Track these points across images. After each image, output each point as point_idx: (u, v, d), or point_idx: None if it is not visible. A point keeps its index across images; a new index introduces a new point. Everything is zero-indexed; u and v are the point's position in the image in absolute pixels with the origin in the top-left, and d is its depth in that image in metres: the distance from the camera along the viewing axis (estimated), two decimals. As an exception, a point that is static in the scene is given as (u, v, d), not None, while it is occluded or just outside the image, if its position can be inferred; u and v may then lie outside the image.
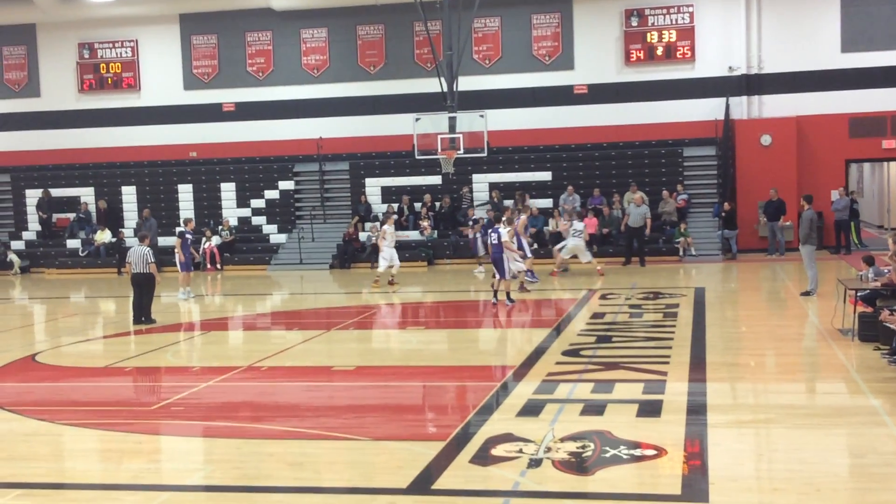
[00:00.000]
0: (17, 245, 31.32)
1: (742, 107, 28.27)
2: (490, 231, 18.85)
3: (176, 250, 21.84)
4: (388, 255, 21.88)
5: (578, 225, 23.22)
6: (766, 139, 27.56)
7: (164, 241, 29.16)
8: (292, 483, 7.86)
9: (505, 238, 18.38)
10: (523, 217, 22.85)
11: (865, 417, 9.37)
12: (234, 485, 7.88)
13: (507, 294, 18.46)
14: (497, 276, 18.33)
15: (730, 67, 28.27)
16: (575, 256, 23.15)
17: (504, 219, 19.48)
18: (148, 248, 17.62)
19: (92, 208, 31.70)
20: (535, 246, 25.15)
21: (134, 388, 12.49)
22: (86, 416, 10.43)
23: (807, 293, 17.83)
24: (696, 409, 9.64)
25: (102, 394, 11.90)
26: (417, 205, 29.29)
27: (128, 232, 30.04)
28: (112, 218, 31.18)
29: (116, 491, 7.87)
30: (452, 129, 25.46)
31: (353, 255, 28.08)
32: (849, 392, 10.63)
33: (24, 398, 11.65)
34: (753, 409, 10.10)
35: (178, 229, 21.78)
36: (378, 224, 24.85)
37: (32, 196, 32.15)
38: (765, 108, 28.33)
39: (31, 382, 12.77)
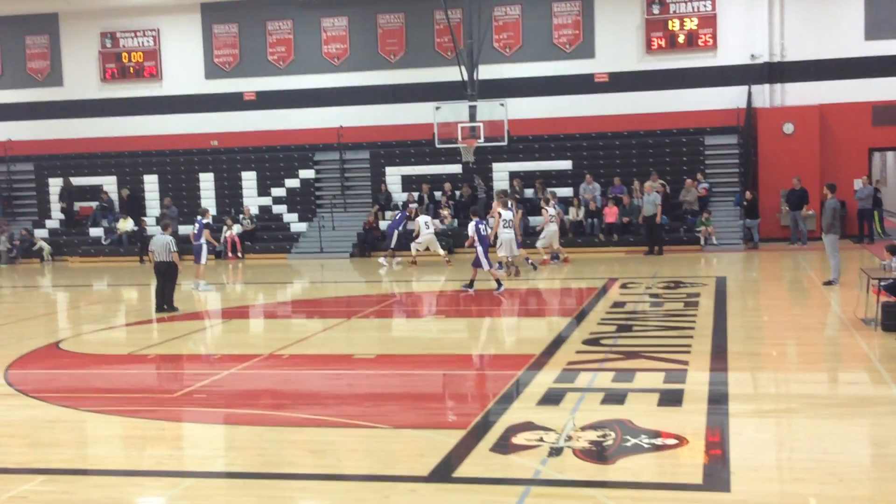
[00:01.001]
0: (41, 233, 31.52)
1: (764, 95, 28.08)
2: (478, 222, 19.07)
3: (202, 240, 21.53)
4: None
5: (551, 210, 23.75)
6: (788, 127, 27.38)
7: (184, 229, 29.30)
8: (313, 470, 7.90)
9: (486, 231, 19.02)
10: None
11: (888, 407, 9.32)
12: (256, 472, 7.93)
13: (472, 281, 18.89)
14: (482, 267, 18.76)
15: (752, 55, 28.07)
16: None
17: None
18: (170, 237, 17.70)
19: (114, 197, 31.88)
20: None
21: (156, 376, 12.57)
22: (109, 403, 10.51)
23: (829, 282, 17.73)
24: (718, 399, 9.61)
25: (125, 381, 11.99)
26: (437, 193, 29.27)
27: (150, 220, 30.18)
28: (134, 206, 31.32)
29: (139, 477, 7.94)
30: (473, 117, 25.44)
31: (374, 243, 28.12)
32: (871, 382, 10.57)
33: (48, 385, 11.76)
34: (775, 398, 10.06)
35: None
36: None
37: (55, 185, 32.36)
38: (787, 96, 28.13)
39: (55, 369, 12.88)
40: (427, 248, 24.73)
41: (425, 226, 24.64)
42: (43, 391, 11.20)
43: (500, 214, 20.32)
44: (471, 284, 18.93)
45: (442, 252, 24.60)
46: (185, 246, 24.30)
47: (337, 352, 13.50)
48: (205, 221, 21.65)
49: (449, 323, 16.42)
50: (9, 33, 32.81)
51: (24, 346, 14.31)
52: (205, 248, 21.24)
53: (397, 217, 26.33)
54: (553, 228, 23.72)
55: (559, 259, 24.08)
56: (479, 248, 18.72)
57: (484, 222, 19.14)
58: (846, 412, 9.25)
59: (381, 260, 25.61)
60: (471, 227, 19.08)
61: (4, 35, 32.89)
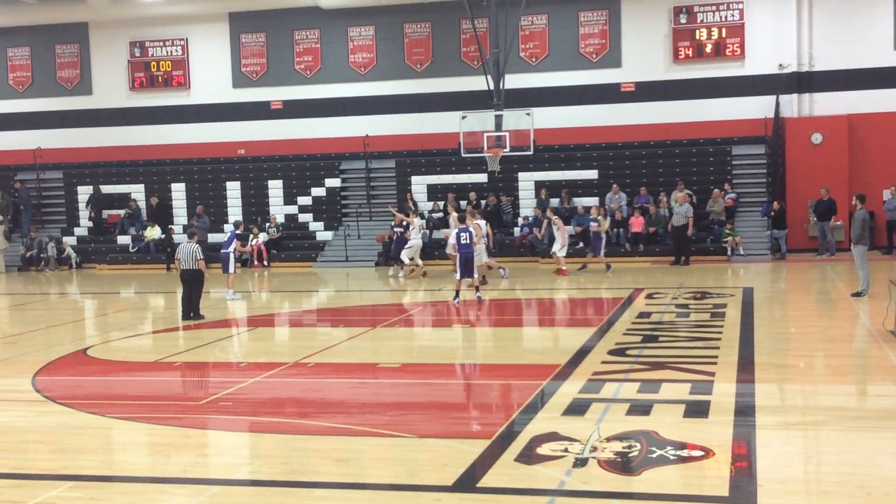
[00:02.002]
0: (69, 241, 31.76)
1: (792, 105, 27.93)
2: (460, 231, 19.20)
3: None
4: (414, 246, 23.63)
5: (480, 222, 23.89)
6: (816, 137, 27.20)
7: (213, 237, 29.57)
8: (338, 479, 7.90)
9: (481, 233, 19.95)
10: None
11: (918, 421, 9.23)
12: (281, 480, 7.94)
13: (475, 289, 19.32)
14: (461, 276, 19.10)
15: (780, 65, 27.93)
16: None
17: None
18: (196, 245, 17.79)
19: (142, 205, 32.11)
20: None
21: (182, 383, 12.64)
22: (135, 410, 10.57)
23: (858, 294, 17.58)
24: (744, 411, 9.54)
25: (152, 388, 12.05)
26: (463, 203, 29.26)
27: (177, 228, 30.38)
28: (162, 215, 31.54)
29: (165, 484, 7.97)
30: (499, 127, 25.44)
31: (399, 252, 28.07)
32: (901, 395, 10.47)
33: (76, 392, 11.83)
34: (802, 410, 9.97)
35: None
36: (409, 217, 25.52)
37: (84, 193, 32.65)
38: (815, 105, 27.96)
39: (83, 376, 12.96)
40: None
41: (418, 231, 24.63)
42: (70, 398, 11.27)
43: (478, 227, 20.66)
44: (476, 290, 19.34)
45: (420, 263, 24.47)
46: (213, 254, 24.45)
47: (362, 360, 13.51)
48: (237, 232, 21.71)
49: (474, 332, 16.40)
50: (39, 42, 33.16)
51: (52, 353, 14.42)
52: (233, 257, 21.29)
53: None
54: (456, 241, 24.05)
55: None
56: (459, 257, 19.17)
57: (467, 231, 19.11)
58: (875, 425, 9.15)
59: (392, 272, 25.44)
60: (452, 235, 19.36)
61: (35, 44, 33.26)
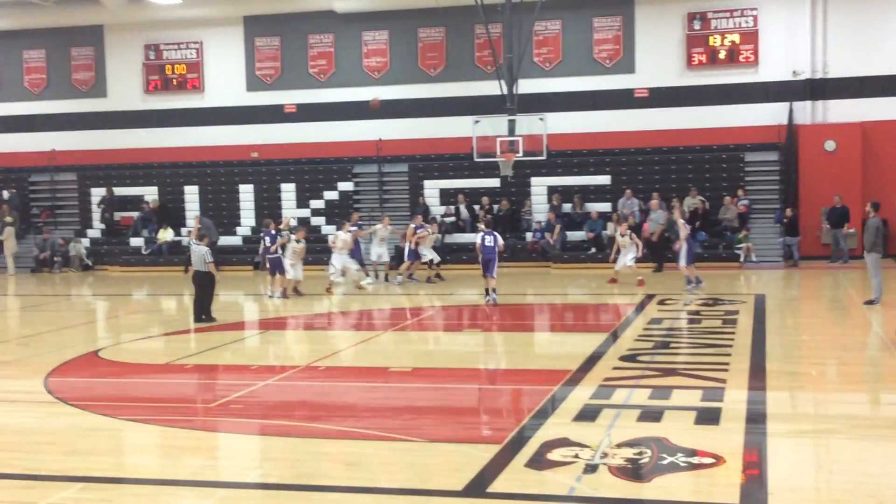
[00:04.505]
0: (83, 242, 31.86)
1: (806, 112, 27.82)
2: (485, 234, 19.60)
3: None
4: (338, 263, 22.27)
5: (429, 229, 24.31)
6: (830, 145, 27.11)
7: (225, 240, 29.71)
8: (348, 483, 7.91)
9: (500, 242, 19.61)
10: (411, 226, 23.53)
11: (930, 430, 9.19)
12: (291, 483, 7.96)
13: (491, 291, 19.39)
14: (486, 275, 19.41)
15: (794, 72, 27.83)
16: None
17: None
18: (206, 248, 17.83)
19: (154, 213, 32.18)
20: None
21: (193, 386, 12.67)
22: (146, 412, 10.60)
23: (871, 302, 17.51)
24: (756, 418, 9.51)
25: (163, 390, 12.09)
26: (476, 207, 29.28)
27: (185, 231, 30.45)
28: (172, 217, 31.60)
29: (175, 486, 8.00)
30: (512, 131, 25.45)
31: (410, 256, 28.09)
32: (913, 404, 10.43)
33: (87, 393, 11.88)
34: (814, 418, 9.94)
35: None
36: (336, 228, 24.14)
37: (97, 195, 32.73)
38: (829, 113, 27.85)
39: (94, 378, 13.01)
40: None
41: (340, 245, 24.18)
42: (82, 399, 11.32)
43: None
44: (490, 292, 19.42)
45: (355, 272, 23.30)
46: (225, 256, 24.49)
47: (373, 364, 13.52)
48: (272, 232, 21.77)
49: (485, 337, 16.39)
50: (55, 45, 33.30)
51: (64, 355, 14.47)
52: (283, 259, 21.29)
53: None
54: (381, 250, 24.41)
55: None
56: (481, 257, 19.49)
57: (491, 234, 19.56)
58: (887, 434, 9.11)
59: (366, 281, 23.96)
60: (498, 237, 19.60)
61: (50, 46, 33.39)
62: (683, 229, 20.93)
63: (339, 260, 22.44)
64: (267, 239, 21.70)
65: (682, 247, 20.86)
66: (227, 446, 9.53)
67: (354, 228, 23.80)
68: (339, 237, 22.57)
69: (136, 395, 11.84)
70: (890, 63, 27.10)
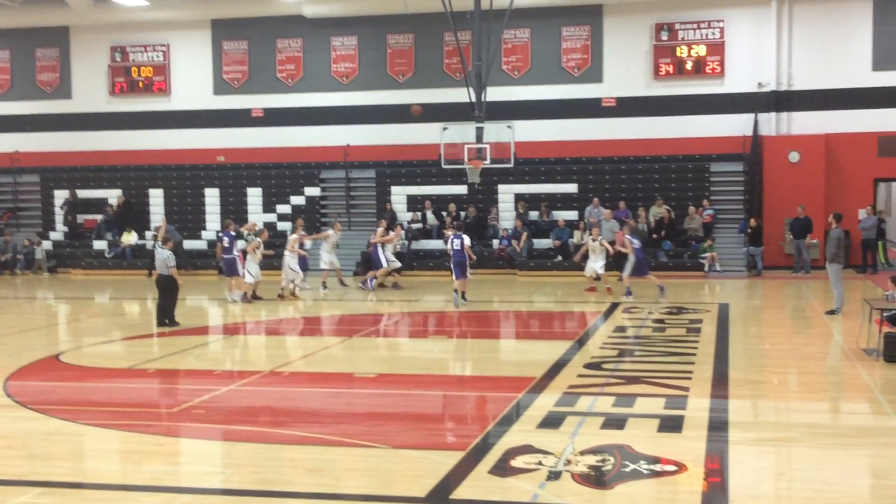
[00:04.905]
0: (45, 245, 31.53)
1: (771, 123, 28.12)
2: (453, 238, 20.67)
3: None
4: (254, 271, 21.74)
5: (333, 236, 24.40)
6: (794, 156, 27.40)
7: (189, 244, 29.54)
8: (311, 489, 7.86)
9: (467, 244, 20.57)
10: (294, 235, 23.14)
11: (889, 438, 9.28)
12: (253, 489, 7.89)
13: (462, 293, 20.40)
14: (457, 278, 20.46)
15: (759, 83, 28.13)
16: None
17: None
18: (169, 252, 17.69)
19: (118, 212, 31.89)
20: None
21: (155, 390, 12.55)
22: (107, 417, 10.49)
23: (832, 312, 17.69)
24: (718, 426, 9.57)
25: (124, 395, 11.96)
26: (443, 214, 29.28)
27: (149, 235, 30.23)
28: (136, 219, 31.37)
29: (135, 492, 7.90)
30: (479, 139, 25.48)
31: (378, 262, 28.05)
32: (872, 412, 10.53)
33: (47, 397, 11.73)
34: (775, 427, 10.01)
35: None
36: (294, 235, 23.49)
37: (61, 197, 32.43)
38: (794, 124, 28.17)
39: (54, 382, 12.86)
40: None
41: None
42: (42, 403, 11.18)
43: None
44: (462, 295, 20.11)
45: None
46: (192, 260, 24.34)
47: (337, 370, 13.48)
48: (232, 233, 21.68)
49: (450, 343, 16.39)
50: (19, 45, 32.97)
51: (24, 358, 14.29)
52: (238, 261, 21.25)
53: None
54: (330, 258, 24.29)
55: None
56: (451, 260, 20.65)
57: (459, 238, 20.60)
58: (847, 442, 9.20)
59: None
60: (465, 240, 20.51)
61: (15, 47, 33.06)
62: (629, 245, 21.25)
63: (289, 264, 22.32)
64: (225, 239, 21.59)
65: (630, 259, 21.24)
66: (188, 451, 9.44)
67: (303, 234, 23.78)
68: (289, 239, 22.57)
69: (96, 399, 11.71)
70: (853, 76, 27.47)
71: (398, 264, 24.38)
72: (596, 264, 22.24)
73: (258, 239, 22.24)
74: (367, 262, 27.35)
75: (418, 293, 23.04)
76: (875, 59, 27.37)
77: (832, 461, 8.52)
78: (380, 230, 24.00)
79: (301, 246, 23.14)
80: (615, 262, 23.70)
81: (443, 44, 30.13)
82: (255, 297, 21.76)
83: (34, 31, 32.63)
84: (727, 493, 7.53)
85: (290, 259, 22.30)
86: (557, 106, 29.40)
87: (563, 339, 16.38)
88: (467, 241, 20.75)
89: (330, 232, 24.74)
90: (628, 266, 21.29)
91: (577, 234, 27.45)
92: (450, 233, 21.53)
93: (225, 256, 21.72)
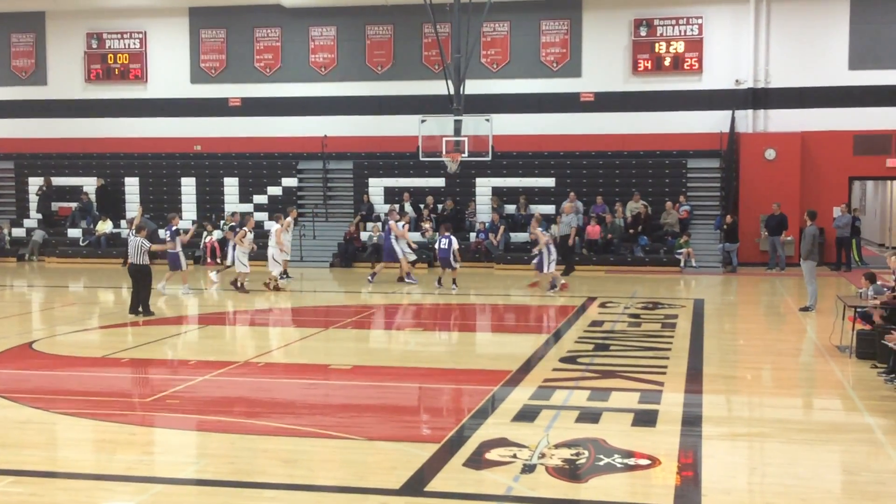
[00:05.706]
0: (18, 232, 31.30)
1: (747, 120, 28.27)
2: (441, 238, 21.96)
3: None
4: (245, 261, 21.71)
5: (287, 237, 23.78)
6: (770, 153, 27.56)
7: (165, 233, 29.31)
8: (285, 480, 7.86)
9: (455, 247, 21.93)
10: (278, 225, 22.85)
11: (860, 435, 9.37)
12: (227, 480, 7.88)
13: (450, 281, 21.85)
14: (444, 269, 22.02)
15: (737, 81, 28.26)
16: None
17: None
18: (142, 240, 17.54)
19: (94, 198, 31.67)
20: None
21: (130, 380, 12.48)
22: (81, 406, 10.43)
23: (806, 308, 17.84)
24: (692, 421, 9.64)
25: (98, 384, 11.88)
26: (421, 206, 29.26)
27: (124, 224, 30.02)
28: (112, 207, 31.17)
29: (108, 482, 7.87)
30: (458, 131, 25.48)
31: (354, 254, 28.08)
32: (844, 409, 10.63)
33: (20, 386, 11.65)
34: (748, 422, 10.09)
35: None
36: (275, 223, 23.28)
37: (35, 184, 32.15)
38: (770, 122, 28.33)
39: (28, 370, 12.77)
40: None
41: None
42: (14, 392, 11.10)
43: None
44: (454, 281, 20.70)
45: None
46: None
47: (313, 361, 13.46)
48: (174, 228, 21.47)
49: (426, 336, 16.39)
50: (-6, 30, 32.67)
51: (-3, 346, 14.19)
52: (181, 255, 21.11)
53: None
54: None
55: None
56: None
57: (447, 238, 21.95)
58: (818, 438, 9.29)
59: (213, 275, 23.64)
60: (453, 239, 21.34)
61: (-10, 32, 32.75)
62: (542, 237, 21.55)
63: (273, 255, 22.26)
64: (167, 234, 21.38)
65: (543, 253, 21.34)
66: (162, 441, 9.41)
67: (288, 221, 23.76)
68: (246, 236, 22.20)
69: (70, 388, 11.64)
70: (830, 75, 27.64)
71: (413, 256, 24.26)
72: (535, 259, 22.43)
73: (244, 228, 22.13)
74: (376, 253, 26.68)
75: (395, 286, 23.00)
76: (851, 58, 27.55)
77: (804, 456, 8.59)
78: (395, 224, 23.52)
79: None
80: (567, 256, 24.14)
81: (422, 36, 30.06)
82: (242, 288, 21.61)
83: (9, 16, 32.29)
84: (700, 487, 7.58)
85: (273, 250, 22.18)
86: (536, 100, 29.42)
87: (539, 332, 16.44)
88: (455, 244, 21.73)
89: (288, 220, 24.10)
90: (544, 262, 21.36)
91: (553, 227, 27.46)
92: (428, 225, 21.72)
93: (168, 251, 21.34)
